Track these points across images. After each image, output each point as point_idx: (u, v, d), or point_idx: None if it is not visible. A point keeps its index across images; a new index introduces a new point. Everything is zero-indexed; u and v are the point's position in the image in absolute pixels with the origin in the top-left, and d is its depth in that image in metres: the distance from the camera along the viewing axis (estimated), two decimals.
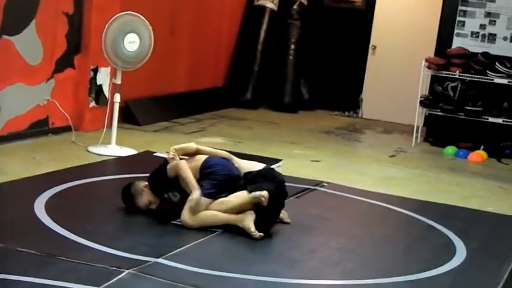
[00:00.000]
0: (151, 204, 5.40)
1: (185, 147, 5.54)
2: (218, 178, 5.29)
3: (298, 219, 5.63)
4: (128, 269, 4.31)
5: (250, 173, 5.37)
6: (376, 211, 6.45)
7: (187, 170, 5.31)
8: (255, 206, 5.14)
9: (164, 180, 5.36)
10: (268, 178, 5.29)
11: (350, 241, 5.48)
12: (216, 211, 5.20)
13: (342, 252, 5.18)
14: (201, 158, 5.46)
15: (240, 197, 5.21)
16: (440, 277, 4.81)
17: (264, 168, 5.45)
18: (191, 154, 5.53)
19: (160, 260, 4.54)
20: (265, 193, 5.09)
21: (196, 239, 4.99)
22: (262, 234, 5.08)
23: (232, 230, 5.17)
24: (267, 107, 11.73)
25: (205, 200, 5.20)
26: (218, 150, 5.68)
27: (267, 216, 5.21)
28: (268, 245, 5.11)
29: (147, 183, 5.45)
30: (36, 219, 5.11)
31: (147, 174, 6.10)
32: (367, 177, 7.73)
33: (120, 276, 4.22)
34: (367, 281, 4.63)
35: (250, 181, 5.27)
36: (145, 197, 5.40)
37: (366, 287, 4.56)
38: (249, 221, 5.10)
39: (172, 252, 4.70)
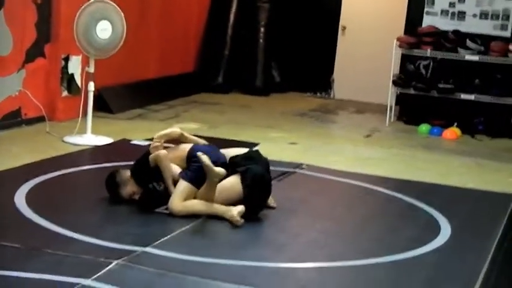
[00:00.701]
0: (135, 194, 5.35)
1: (170, 133, 5.50)
2: None
3: (282, 202, 5.62)
4: (116, 259, 4.27)
5: (236, 157, 5.34)
6: (357, 191, 6.45)
7: (166, 160, 5.25)
8: (245, 194, 5.11)
9: (147, 170, 5.30)
10: (254, 160, 5.27)
11: (334, 223, 5.48)
12: (203, 199, 5.16)
13: (327, 234, 5.18)
14: (186, 147, 5.42)
15: (228, 182, 5.18)
16: (427, 255, 4.83)
17: (248, 151, 5.42)
18: (176, 140, 5.49)
19: (148, 249, 4.50)
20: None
21: (183, 226, 4.96)
22: (243, 220, 5.05)
23: (218, 216, 5.14)
24: (239, 90, 11.69)
25: (191, 187, 5.16)
26: (201, 140, 5.65)
27: (256, 201, 5.19)
28: (255, 229, 5.09)
29: (130, 173, 5.39)
30: (18, 213, 5.04)
31: (126, 163, 6.06)
32: (344, 158, 7.74)
33: (109, 267, 4.18)
34: (354, 262, 4.64)
35: (237, 165, 5.24)
36: (129, 187, 5.35)
37: (353, 268, 4.57)
38: (236, 214, 5.07)
39: (159, 241, 4.66)
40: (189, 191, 5.16)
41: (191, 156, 5.31)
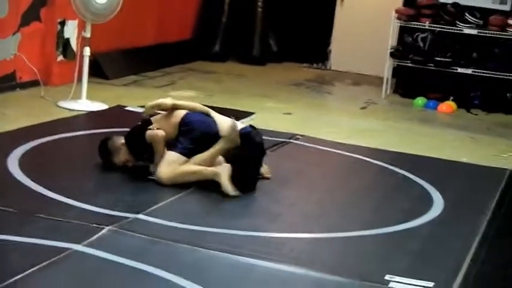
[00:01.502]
0: (128, 162, 5.33)
1: (161, 103, 5.43)
2: (197, 135, 5.21)
3: (276, 173, 5.61)
4: (108, 225, 4.28)
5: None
6: (351, 163, 6.46)
7: (161, 143, 5.19)
8: (231, 156, 5.10)
9: (142, 142, 5.25)
10: (246, 144, 5.18)
11: (329, 194, 5.49)
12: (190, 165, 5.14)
13: (322, 205, 5.19)
14: (179, 114, 5.35)
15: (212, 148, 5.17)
16: (420, 228, 4.85)
17: (241, 134, 5.22)
18: (168, 109, 5.43)
19: (140, 216, 4.51)
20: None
21: (175, 194, 4.96)
22: (238, 193, 5.03)
23: (211, 185, 5.12)
24: (236, 59, 11.61)
25: (181, 158, 5.14)
26: (196, 104, 5.57)
27: (245, 171, 5.16)
28: (248, 199, 5.09)
29: (123, 141, 5.36)
30: (11, 177, 5.03)
31: (121, 129, 6.03)
32: (339, 130, 7.72)
33: (101, 233, 4.19)
34: (349, 233, 4.66)
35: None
36: (122, 155, 5.33)
37: (346, 239, 4.59)
38: (224, 176, 5.03)
39: (151, 208, 4.67)
40: (178, 162, 5.12)
41: (182, 124, 5.28)
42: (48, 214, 4.36)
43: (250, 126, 5.47)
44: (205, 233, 4.39)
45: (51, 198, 4.67)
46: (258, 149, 5.24)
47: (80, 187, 4.98)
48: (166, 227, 4.40)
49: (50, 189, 4.79)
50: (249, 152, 5.16)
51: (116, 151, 5.32)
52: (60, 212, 4.42)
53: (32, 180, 4.94)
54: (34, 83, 7.87)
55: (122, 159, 5.32)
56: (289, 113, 8.28)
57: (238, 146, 5.13)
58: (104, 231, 4.21)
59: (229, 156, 5.13)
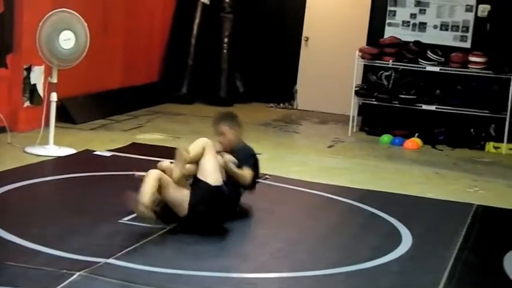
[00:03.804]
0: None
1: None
2: None
3: (246, 212, 5.66)
4: (78, 271, 4.25)
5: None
6: (320, 201, 6.51)
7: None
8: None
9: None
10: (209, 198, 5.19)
11: (298, 233, 5.51)
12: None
13: (291, 244, 5.21)
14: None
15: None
16: (389, 264, 4.89)
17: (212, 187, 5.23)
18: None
19: (110, 261, 4.49)
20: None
21: (147, 237, 4.94)
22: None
23: (183, 227, 5.14)
24: (203, 101, 11.69)
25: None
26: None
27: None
28: (219, 239, 5.10)
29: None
30: None
31: (89, 173, 6.03)
32: (308, 168, 7.79)
33: (71, 278, 4.16)
34: (318, 272, 4.67)
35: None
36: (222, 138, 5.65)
37: (316, 278, 4.60)
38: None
39: (122, 252, 4.64)
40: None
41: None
42: (17, 261, 4.32)
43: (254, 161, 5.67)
44: (177, 275, 4.38)
45: (20, 245, 4.63)
46: (217, 205, 5.21)
47: (49, 233, 4.93)
48: (138, 271, 4.38)
49: (18, 236, 4.75)
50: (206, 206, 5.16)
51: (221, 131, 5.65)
52: (29, 259, 4.39)
53: (0, 227, 4.89)
54: (0, 129, 7.84)
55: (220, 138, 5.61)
56: (259, 153, 8.29)
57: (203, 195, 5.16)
58: (74, 277, 4.18)
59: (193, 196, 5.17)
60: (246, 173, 5.58)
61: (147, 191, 4.98)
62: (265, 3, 12.21)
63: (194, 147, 5.27)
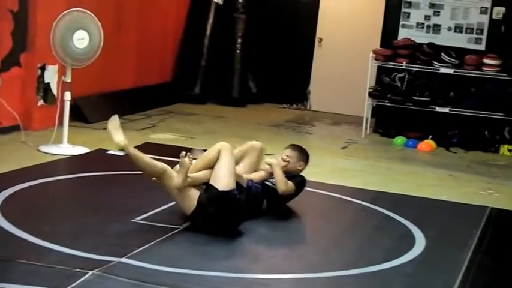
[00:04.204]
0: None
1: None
2: None
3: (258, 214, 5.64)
4: (91, 269, 4.26)
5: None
6: (334, 203, 6.49)
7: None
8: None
9: None
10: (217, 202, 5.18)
11: (311, 234, 5.51)
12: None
13: (304, 245, 5.21)
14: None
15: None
16: (403, 266, 4.86)
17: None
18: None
19: (123, 260, 4.49)
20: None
21: (159, 237, 4.94)
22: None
23: (195, 227, 5.13)
24: (215, 101, 11.68)
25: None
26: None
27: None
28: (231, 240, 5.08)
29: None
30: None
31: (103, 173, 6.03)
32: (321, 169, 7.75)
33: (84, 277, 4.16)
34: (331, 273, 4.66)
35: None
36: None
37: (328, 279, 4.59)
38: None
39: (135, 251, 4.64)
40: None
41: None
42: (30, 259, 4.33)
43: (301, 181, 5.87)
44: (189, 275, 4.37)
45: (32, 243, 4.64)
46: (225, 209, 5.17)
47: (63, 231, 4.95)
48: (150, 270, 4.38)
49: (32, 234, 4.76)
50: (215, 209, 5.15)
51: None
52: (42, 257, 4.39)
53: (14, 225, 4.91)
54: (15, 128, 7.86)
55: None
56: (271, 154, 8.28)
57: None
58: (87, 276, 4.18)
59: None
60: (289, 183, 5.74)
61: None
62: (278, 4, 12.18)
63: (209, 151, 5.27)
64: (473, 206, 6.66)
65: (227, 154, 5.21)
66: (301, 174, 5.97)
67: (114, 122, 5.29)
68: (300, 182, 5.88)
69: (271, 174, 5.77)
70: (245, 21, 11.85)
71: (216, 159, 5.19)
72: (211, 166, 5.20)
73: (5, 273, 4.13)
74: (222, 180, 5.12)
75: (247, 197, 5.34)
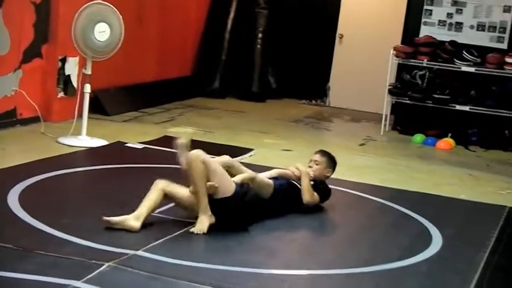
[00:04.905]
0: None
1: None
2: None
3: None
4: (107, 261, 4.28)
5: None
6: (351, 199, 6.48)
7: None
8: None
9: None
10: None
11: (328, 230, 5.51)
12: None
13: (320, 241, 5.21)
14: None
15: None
16: (419, 265, 4.85)
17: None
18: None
19: (139, 253, 4.51)
20: None
21: (175, 231, 4.96)
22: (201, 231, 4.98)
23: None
24: (235, 96, 11.69)
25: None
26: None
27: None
28: (247, 235, 5.09)
29: None
30: (11, 213, 5.03)
31: (121, 165, 6.04)
32: (339, 166, 7.58)
33: (100, 269, 4.19)
34: (347, 270, 4.66)
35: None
36: None
37: (344, 276, 4.59)
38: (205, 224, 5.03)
39: (151, 244, 4.66)
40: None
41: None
42: (47, 250, 4.36)
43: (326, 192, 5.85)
44: (205, 269, 4.38)
45: (51, 235, 4.67)
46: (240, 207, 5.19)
47: (80, 223, 4.97)
48: (166, 264, 4.40)
49: (49, 226, 4.80)
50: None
51: None
52: (60, 249, 4.42)
53: (32, 216, 4.95)
54: (34, 119, 7.92)
55: None
56: (289, 150, 8.31)
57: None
58: (103, 267, 4.21)
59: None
60: (315, 194, 5.77)
61: (143, 204, 5.02)
62: (300, 0, 12.16)
63: (195, 165, 5.06)
64: (491, 206, 6.62)
65: (211, 163, 5.11)
66: (325, 183, 5.98)
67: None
68: (325, 195, 5.90)
69: (298, 178, 5.77)
70: (266, 16, 11.85)
71: (205, 173, 5.07)
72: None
73: (23, 263, 4.16)
74: (226, 189, 5.11)
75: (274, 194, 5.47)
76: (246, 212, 5.20)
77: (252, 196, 5.25)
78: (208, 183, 5.01)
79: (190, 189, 5.07)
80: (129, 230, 4.87)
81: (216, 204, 5.05)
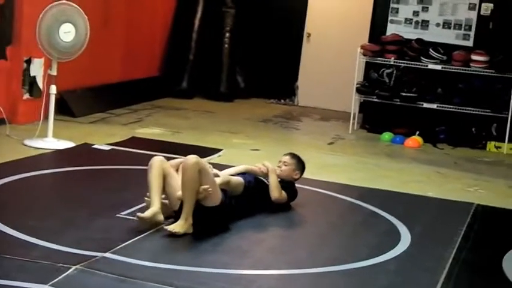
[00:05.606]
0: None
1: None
2: None
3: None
4: (75, 264, 4.22)
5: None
6: (320, 198, 6.48)
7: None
8: None
9: None
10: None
11: (297, 229, 5.49)
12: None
13: (289, 241, 5.19)
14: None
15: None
16: (388, 263, 4.85)
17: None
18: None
19: (107, 255, 4.46)
20: None
21: (144, 232, 4.92)
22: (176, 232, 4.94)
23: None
24: (203, 96, 11.65)
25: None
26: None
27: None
28: (216, 236, 5.06)
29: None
30: None
31: (88, 167, 5.98)
32: (308, 165, 7.61)
33: (67, 272, 4.14)
34: (315, 269, 4.65)
35: None
36: None
37: (314, 275, 4.58)
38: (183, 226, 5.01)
39: (119, 246, 4.62)
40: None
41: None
42: (12, 254, 4.29)
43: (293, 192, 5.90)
44: (174, 271, 4.35)
45: (16, 238, 4.61)
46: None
47: (46, 226, 4.91)
48: (135, 266, 4.36)
49: (15, 229, 4.73)
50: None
51: None
52: (25, 252, 4.36)
53: None
54: None
55: None
56: (257, 149, 8.29)
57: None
58: (70, 270, 4.15)
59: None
60: (283, 192, 5.77)
61: (155, 193, 5.02)
62: None
63: (189, 173, 5.02)
64: (459, 203, 6.66)
65: (206, 172, 5.10)
66: (293, 184, 5.98)
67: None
68: (292, 195, 5.92)
69: (264, 175, 5.76)
70: (234, 16, 11.83)
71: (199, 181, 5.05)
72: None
73: None
74: (215, 199, 5.14)
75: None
76: (229, 218, 5.25)
77: (234, 202, 5.31)
78: (202, 186, 5.00)
79: (179, 194, 5.05)
80: (157, 224, 4.96)
81: (204, 211, 5.04)
